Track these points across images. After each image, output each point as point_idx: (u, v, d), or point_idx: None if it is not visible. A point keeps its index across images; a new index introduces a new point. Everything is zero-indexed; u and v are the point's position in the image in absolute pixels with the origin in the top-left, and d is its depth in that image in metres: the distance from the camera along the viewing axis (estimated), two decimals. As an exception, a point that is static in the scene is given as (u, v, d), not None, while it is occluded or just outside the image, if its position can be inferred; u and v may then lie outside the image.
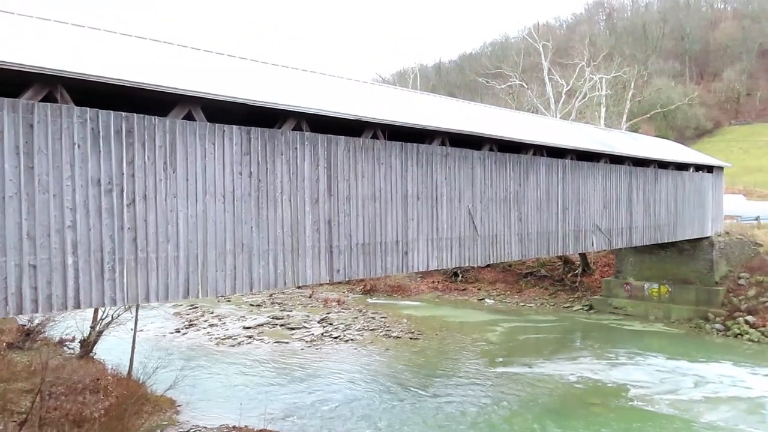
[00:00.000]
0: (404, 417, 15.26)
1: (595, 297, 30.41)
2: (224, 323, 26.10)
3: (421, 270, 13.42)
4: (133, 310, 24.47)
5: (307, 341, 23.09)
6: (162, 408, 15.13)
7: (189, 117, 9.46)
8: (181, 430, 13.87)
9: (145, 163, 8.79)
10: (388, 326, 25.67)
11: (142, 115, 8.76)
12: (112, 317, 18.92)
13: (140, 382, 16.77)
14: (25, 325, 20.33)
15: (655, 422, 14.73)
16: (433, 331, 24.96)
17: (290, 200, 10.63)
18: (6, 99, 7.51)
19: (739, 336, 23.10)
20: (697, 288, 26.47)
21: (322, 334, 24.11)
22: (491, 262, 15.42)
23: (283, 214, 10.53)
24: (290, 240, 10.63)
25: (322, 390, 17.30)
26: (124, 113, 8.57)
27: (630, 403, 16.24)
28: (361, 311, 29.08)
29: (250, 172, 10.05)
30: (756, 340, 22.50)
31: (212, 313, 28.19)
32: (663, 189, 23.18)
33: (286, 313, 28.28)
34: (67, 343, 21.03)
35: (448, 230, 13.87)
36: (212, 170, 9.55)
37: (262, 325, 25.78)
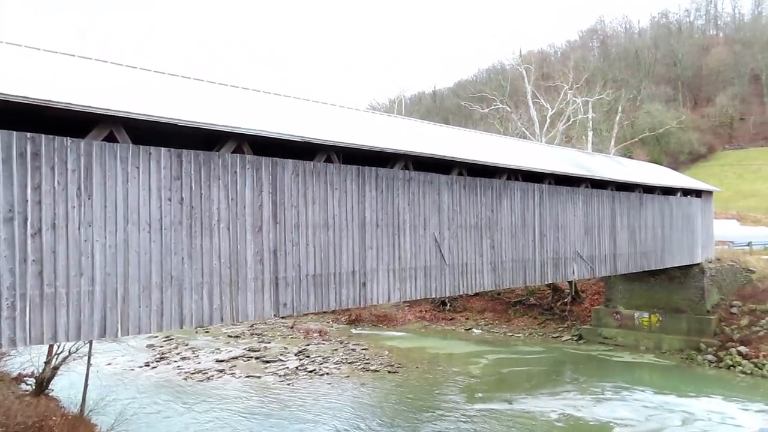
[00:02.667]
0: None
1: (585, 326, 29.38)
2: (197, 356, 25.04)
3: (381, 302, 12.52)
4: (101, 343, 23.49)
5: (280, 375, 22.02)
6: (109, 452, 14.07)
7: (112, 138, 8.70)
8: (124, 478, 12.80)
9: (54, 188, 7.98)
10: (367, 359, 24.61)
11: (51, 136, 7.97)
12: (69, 351, 17.94)
13: (91, 422, 15.76)
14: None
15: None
16: (414, 364, 23.90)
17: (228, 228, 9.80)
18: None
19: (731, 368, 22.04)
20: (688, 317, 25.50)
21: (297, 367, 23.05)
22: (460, 293, 14.54)
23: (221, 243, 9.68)
24: (228, 272, 9.76)
25: (281, 429, 16.22)
26: (29, 134, 7.78)
27: (613, 444, 15.18)
28: (342, 342, 28.02)
29: (182, 198, 9.24)
30: (749, 372, 21.43)
31: (187, 345, 27.13)
32: (649, 214, 22.40)
33: (263, 345, 27.23)
34: (26, 378, 19.97)
35: (412, 259, 13.02)
36: (135, 196, 8.74)
37: (236, 358, 24.72)
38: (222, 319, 9.73)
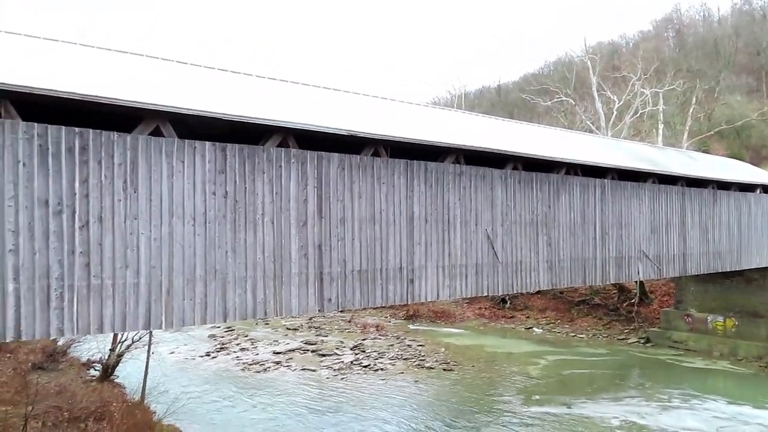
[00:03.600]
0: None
1: (653, 329, 27.90)
2: (256, 347, 25.54)
3: (429, 300, 12.20)
4: (165, 332, 24.32)
5: (334, 369, 22.10)
6: (164, 438, 14.48)
7: (158, 133, 8.81)
8: (178, 466, 13.12)
9: (101, 182, 8.14)
10: (423, 355, 24.32)
11: (98, 131, 8.14)
12: (132, 340, 18.65)
13: (150, 408, 16.29)
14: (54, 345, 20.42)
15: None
16: (470, 362, 23.41)
17: (273, 222, 9.75)
18: (-58, 114, 7.04)
19: (818, 379, 20.28)
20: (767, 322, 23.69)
21: (351, 362, 23.06)
22: (514, 292, 13.99)
23: (264, 237, 9.65)
24: (272, 266, 9.71)
25: (334, 425, 16.20)
26: (77, 129, 7.96)
27: (679, 456, 14.23)
28: (398, 338, 27.85)
29: (226, 192, 9.25)
30: (838, 384, 19.65)
31: (246, 336, 27.74)
32: (724, 212, 20.89)
33: (320, 338, 27.45)
34: (94, 364, 20.94)
35: (463, 256, 12.60)
36: (180, 190, 8.81)
37: (293, 350, 25.03)
38: (266, 314, 9.71)
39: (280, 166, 9.86)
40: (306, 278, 10.11)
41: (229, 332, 28.38)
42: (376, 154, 11.28)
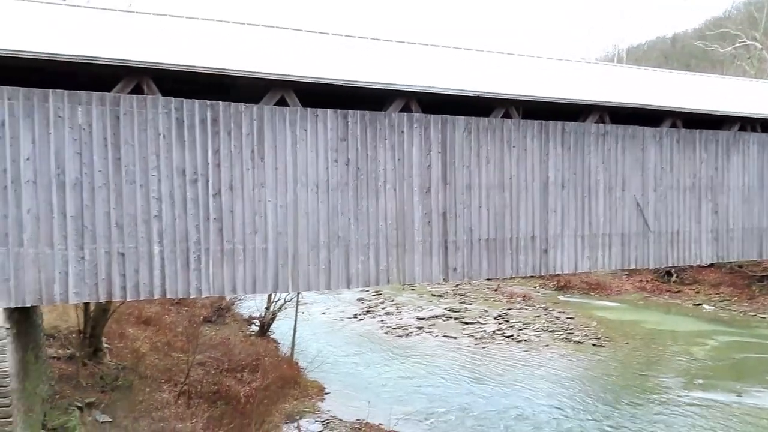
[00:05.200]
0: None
1: None
2: (400, 312, 26.12)
3: (566, 272, 11.35)
4: (319, 294, 25.83)
5: (476, 338, 21.85)
6: (309, 394, 15.41)
7: (283, 102, 9.05)
8: (318, 419, 13.88)
9: (231, 152, 8.59)
10: (571, 329, 23.08)
11: (227, 103, 8.56)
12: (284, 300, 20.05)
13: (297, 363, 17.45)
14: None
15: None
16: (624, 339, 21.72)
17: (395, 190, 9.62)
18: (94, 93, 7.82)
19: None
20: None
21: (494, 331, 22.63)
22: (669, 265, 12.52)
23: (387, 204, 9.57)
24: (395, 234, 9.63)
25: (473, 394, 16.01)
26: (208, 102, 8.44)
27: None
28: (546, 309, 26.72)
29: (348, 160, 9.29)
30: None
31: (392, 300, 28.48)
32: None
33: (464, 306, 27.30)
34: (254, 320, 22.93)
35: (606, 225, 11.48)
36: (304, 158, 9.01)
37: (436, 316, 25.19)
38: (388, 281, 9.71)
39: (402, 132, 9.65)
40: (430, 246, 9.90)
41: (377, 296, 29.34)
42: (506, 115, 10.58)
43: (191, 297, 8.98)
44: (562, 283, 32.18)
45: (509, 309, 26.73)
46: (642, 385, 16.86)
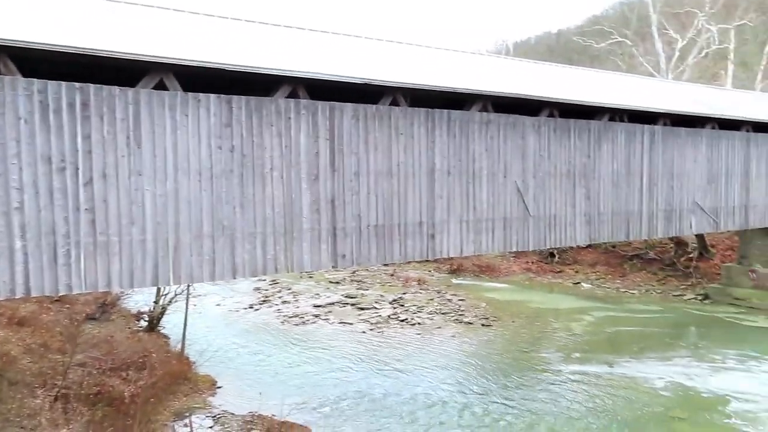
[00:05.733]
0: (438, 420, 13.76)
1: (713, 285, 26.43)
2: (297, 300, 25.91)
3: (452, 255, 11.77)
4: (214, 285, 24.96)
5: (372, 323, 22.14)
6: (200, 389, 14.91)
7: (162, 87, 8.59)
8: (209, 414, 13.48)
9: (104, 138, 8.04)
10: (462, 310, 24.01)
11: (99, 86, 7.99)
12: (175, 293, 19.19)
13: (189, 358, 16.81)
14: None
15: (750, 448, 12.00)
16: (511, 318, 22.93)
17: (282, 177, 9.49)
18: (-63, 72, 7.01)
19: None
20: (841, 279, 21.93)
21: (389, 316, 23.05)
22: (546, 247, 13.35)
23: (274, 192, 9.41)
24: (282, 221, 9.51)
25: (368, 379, 16.25)
26: (77, 84, 7.83)
27: (726, 420, 13.45)
28: (439, 292, 27.59)
29: (232, 146, 9.02)
30: None
31: (290, 289, 28.17)
32: (794, 159, 19.13)
33: (361, 292, 27.56)
34: (143, 315, 21.79)
35: (490, 210, 12.04)
36: (185, 145, 8.63)
37: (333, 303, 25.24)
38: (276, 270, 9.58)
39: (290, 118, 9.50)
40: (318, 234, 9.87)
41: (274, 285, 28.90)
42: (394, 103, 10.74)
43: (59, 294, 8.34)
44: (455, 267, 33.37)
45: (404, 293, 27.33)
46: (526, 361, 17.92)
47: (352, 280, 30.30)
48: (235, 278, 9.42)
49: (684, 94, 18.09)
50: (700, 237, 28.95)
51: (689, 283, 27.82)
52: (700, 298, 25.99)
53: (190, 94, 8.64)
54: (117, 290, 9.00)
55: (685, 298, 26.30)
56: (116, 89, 8.12)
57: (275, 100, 9.37)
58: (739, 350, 18.60)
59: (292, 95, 9.63)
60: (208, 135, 8.78)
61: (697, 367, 17.15)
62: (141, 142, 8.29)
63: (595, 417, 13.78)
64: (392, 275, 31.67)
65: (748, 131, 17.62)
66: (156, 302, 19.40)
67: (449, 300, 25.72)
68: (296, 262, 9.69)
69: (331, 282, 29.87)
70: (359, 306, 24.55)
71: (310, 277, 30.91)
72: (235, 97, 8.99)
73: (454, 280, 30.92)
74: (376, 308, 24.22)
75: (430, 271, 33.28)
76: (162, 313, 19.60)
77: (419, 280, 30.13)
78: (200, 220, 8.77)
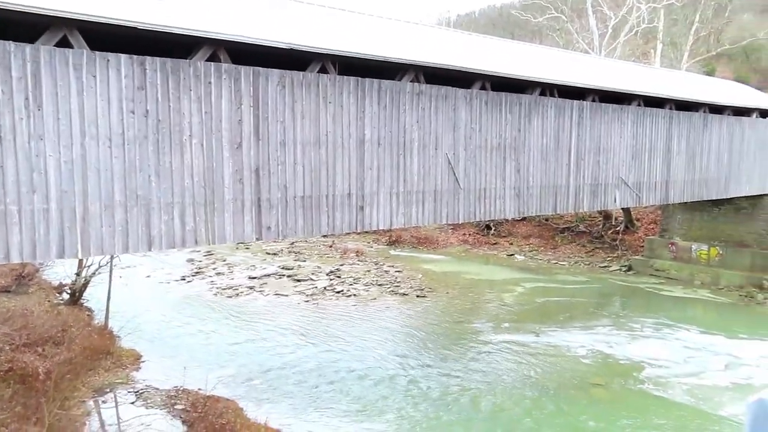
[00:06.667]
0: (369, 391, 13.88)
1: (636, 257, 27.69)
2: (232, 272, 25.42)
3: (381, 228, 11.68)
4: (145, 256, 24.06)
5: (307, 295, 22.01)
6: (124, 364, 14.42)
7: (66, 44, 7.94)
8: (132, 390, 13.07)
9: (-2, 97, 7.38)
10: (398, 282, 24.21)
11: (-10, 41, 7.29)
12: (99, 264, 18.37)
13: (113, 332, 16.22)
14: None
15: (661, 413, 12.68)
16: (445, 289, 23.31)
17: (202, 144, 9.04)
18: None
19: (793, 309, 20.17)
20: (753, 252, 23.39)
21: (325, 287, 22.97)
22: (477, 220, 13.47)
23: (193, 160, 8.97)
24: (203, 191, 9.10)
25: (299, 351, 16.16)
26: (-37, 37, 7.12)
27: (639, 386, 14.17)
28: (377, 264, 27.70)
29: (147, 111, 8.48)
30: (812, 315, 19.54)
31: (225, 260, 27.60)
32: (714, 137, 20.04)
33: (298, 264, 27.32)
34: (66, 288, 20.79)
35: (420, 182, 11.97)
36: (93, 108, 8.04)
37: (269, 275, 24.91)
38: (196, 242, 9.20)
39: (210, 83, 9.03)
40: (242, 205, 9.53)
41: (208, 257, 28.24)
42: (323, 71, 10.40)
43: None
44: (394, 239, 33.56)
45: (342, 265, 27.28)
46: (458, 331, 18.27)
47: (289, 252, 29.98)
48: (150, 250, 8.99)
49: (613, 71, 18.50)
50: (626, 211, 30.18)
51: (615, 255, 29.04)
52: (624, 269, 27.20)
53: (97, 53, 8.03)
54: (17, 261, 8.41)
55: (610, 269, 27.45)
56: (11, 44, 7.44)
57: (194, 63, 8.86)
58: (655, 319, 19.61)
59: (213, 59, 9.14)
60: (119, 98, 8.21)
61: (617, 335, 17.98)
62: (42, 104, 7.66)
63: (516, 385, 14.22)
64: (331, 247, 31.53)
65: (671, 109, 18.23)
66: (78, 274, 18.54)
67: (386, 272, 25.86)
68: (218, 233, 9.33)
69: (268, 253, 29.45)
70: (296, 278, 24.34)
71: (247, 248, 30.37)
72: (148, 58, 8.43)
73: (392, 252, 31.10)
74: (312, 280, 24.06)
75: (369, 242, 33.32)
76: (85, 286, 18.78)
77: (358, 252, 30.13)
78: (111, 189, 8.25)
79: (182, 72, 8.76)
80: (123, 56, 8.23)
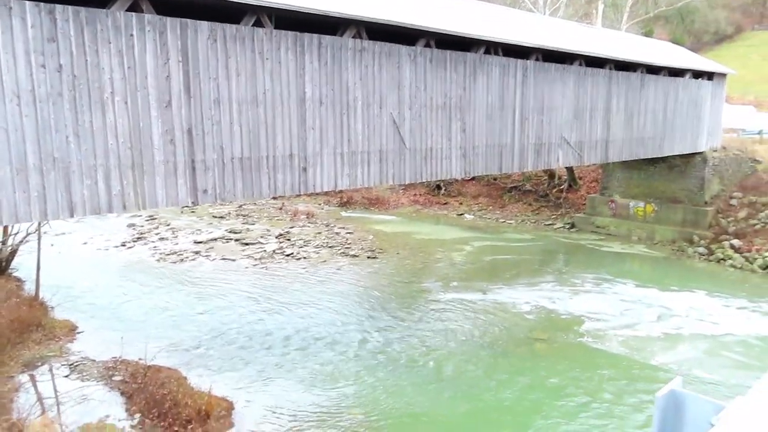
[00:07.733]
0: (317, 352, 13.78)
1: (578, 215, 28.38)
2: (176, 237, 24.62)
3: (326, 189, 11.34)
4: (80, 222, 22.93)
5: (256, 259, 21.57)
6: (57, 335, 13.77)
7: (-36, -11, 7.10)
8: (66, 362, 12.51)
9: None
10: (349, 243, 24.03)
11: None
12: (27, 232, 17.36)
13: (46, 303, 15.45)
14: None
15: (598, 364, 13.12)
16: (396, 249, 23.30)
17: (127, 103, 8.40)
18: None
19: (722, 261, 21.15)
20: (684, 207, 24.29)
21: (274, 251, 22.56)
22: (423, 180, 13.30)
23: (117, 120, 8.34)
24: (129, 153, 8.51)
25: (245, 316, 15.85)
26: None
27: (579, 339, 14.60)
28: (328, 226, 27.40)
29: (60, 65, 7.77)
30: (739, 266, 20.54)
31: (169, 225, 26.69)
32: (650, 97, 20.41)
33: (246, 227, 26.70)
34: (-7, 257, 19.62)
35: (365, 142, 11.64)
36: (-4, 61, 7.29)
37: (215, 239, 24.26)
38: (125, 207, 8.65)
39: (132, 35, 8.34)
40: (174, 167, 9.00)
41: (150, 221, 27.25)
42: (258, 24, 9.80)
43: None
44: (345, 200, 33.26)
45: (292, 227, 26.85)
46: (408, 291, 18.32)
47: (237, 215, 29.27)
48: (73, 216, 8.38)
49: (556, 31, 18.42)
50: (569, 170, 30.77)
51: (559, 213, 29.70)
52: (567, 226, 27.87)
53: (-1, 0, 7.24)
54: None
55: (555, 227, 28.07)
56: None
57: (112, 12, 8.13)
58: (596, 274, 20.21)
59: (134, 9, 8.43)
60: (26, 51, 7.46)
61: (560, 291, 18.44)
62: (-63, 57, 6.89)
63: (462, 342, 14.40)
64: (281, 209, 30.96)
65: (611, 69, 18.37)
66: (3, 243, 17.48)
67: (337, 233, 25.62)
68: (149, 198, 8.80)
69: (214, 217, 28.67)
70: (243, 241, 23.80)
71: (192, 212, 29.48)
72: (59, 6, 7.67)
73: (343, 213, 30.82)
74: (261, 243, 23.59)
75: (320, 204, 32.91)
76: (12, 255, 17.78)
77: (308, 214, 29.71)
78: (23, 152, 7.58)
79: (99, 23, 8.03)
80: (28, 3, 7.45)
